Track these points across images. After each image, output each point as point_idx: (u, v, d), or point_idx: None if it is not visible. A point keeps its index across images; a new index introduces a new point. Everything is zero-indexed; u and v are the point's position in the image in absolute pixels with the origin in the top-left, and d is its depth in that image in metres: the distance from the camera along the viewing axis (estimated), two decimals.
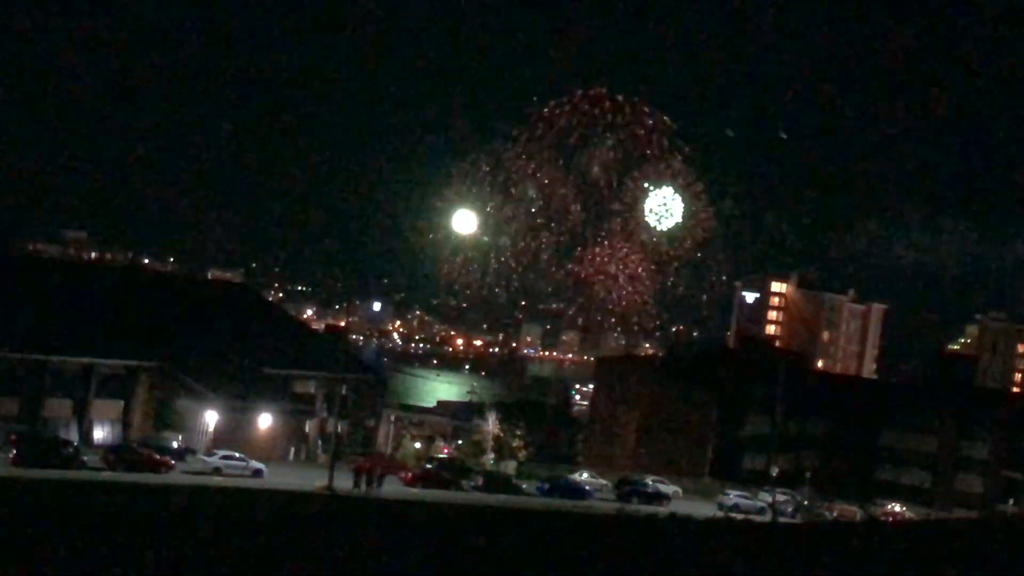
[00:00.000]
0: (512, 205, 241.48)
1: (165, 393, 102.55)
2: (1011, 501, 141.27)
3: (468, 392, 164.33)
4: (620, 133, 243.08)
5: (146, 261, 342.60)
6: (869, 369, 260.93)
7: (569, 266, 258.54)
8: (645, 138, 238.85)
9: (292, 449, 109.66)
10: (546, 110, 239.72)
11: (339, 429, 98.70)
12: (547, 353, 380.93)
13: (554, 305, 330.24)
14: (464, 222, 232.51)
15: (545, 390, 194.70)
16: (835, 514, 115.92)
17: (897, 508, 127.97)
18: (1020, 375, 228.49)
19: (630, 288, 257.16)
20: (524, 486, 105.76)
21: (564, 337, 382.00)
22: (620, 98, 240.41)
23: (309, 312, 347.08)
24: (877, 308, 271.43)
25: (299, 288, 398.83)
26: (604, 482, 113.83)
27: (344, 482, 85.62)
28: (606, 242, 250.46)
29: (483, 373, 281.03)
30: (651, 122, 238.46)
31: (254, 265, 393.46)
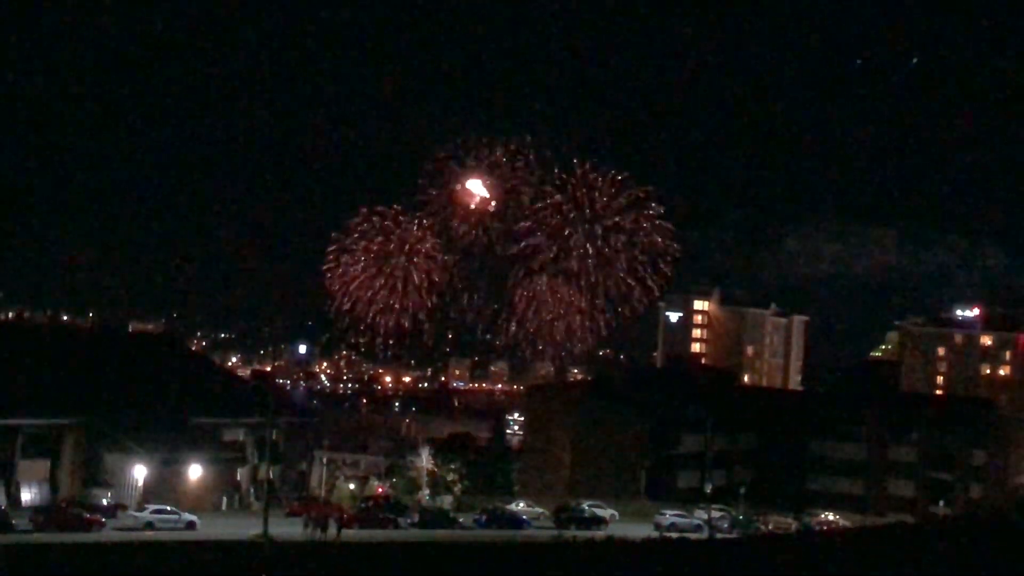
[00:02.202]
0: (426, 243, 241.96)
1: (92, 450, 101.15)
2: (942, 503, 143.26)
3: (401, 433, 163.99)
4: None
5: (65, 318, 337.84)
6: (794, 381, 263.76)
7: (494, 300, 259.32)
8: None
9: (224, 499, 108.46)
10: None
11: (271, 475, 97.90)
12: (477, 385, 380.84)
13: (487, 336, 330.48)
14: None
15: (477, 422, 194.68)
16: (770, 526, 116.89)
17: (831, 517, 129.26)
18: (942, 377, 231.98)
19: (557, 315, 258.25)
20: (462, 520, 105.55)
21: (493, 368, 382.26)
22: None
23: (234, 359, 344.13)
24: (799, 320, 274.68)
25: (222, 335, 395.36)
26: (541, 510, 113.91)
27: (280, 529, 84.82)
28: (530, 272, 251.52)
29: (414, 409, 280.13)
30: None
31: (175, 315, 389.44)
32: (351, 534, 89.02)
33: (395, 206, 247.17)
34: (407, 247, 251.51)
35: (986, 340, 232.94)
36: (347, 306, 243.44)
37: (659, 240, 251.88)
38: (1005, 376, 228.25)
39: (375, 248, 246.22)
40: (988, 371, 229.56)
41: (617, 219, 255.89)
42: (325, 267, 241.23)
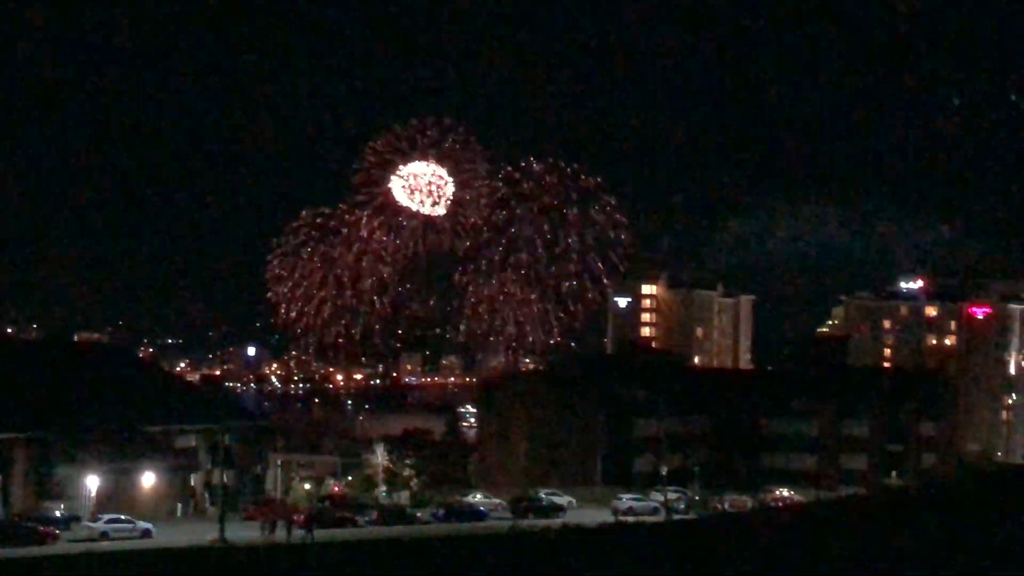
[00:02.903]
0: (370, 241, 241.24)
1: (44, 463, 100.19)
2: (894, 474, 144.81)
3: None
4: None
5: (9, 331, 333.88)
6: (744, 360, 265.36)
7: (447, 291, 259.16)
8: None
9: (180, 505, 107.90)
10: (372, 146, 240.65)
11: (225, 479, 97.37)
12: (429, 380, 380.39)
13: (438, 331, 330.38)
14: None
15: (431, 417, 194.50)
16: (727, 506, 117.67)
17: (785, 493, 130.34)
18: (889, 350, 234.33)
19: (508, 308, 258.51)
20: (420, 515, 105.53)
21: (444, 362, 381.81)
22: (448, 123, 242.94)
23: (183, 364, 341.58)
24: (746, 300, 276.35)
25: (169, 341, 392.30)
26: (499, 501, 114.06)
27: (238, 533, 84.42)
28: (482, 265, 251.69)
29: (367, 407, 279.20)
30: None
31: (120, 323, 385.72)
32: (300, 536, 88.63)
33: (341, 205, 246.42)
34: (353, 246, 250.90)
35: (931, 311, 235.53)
36: (293, 312, 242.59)
37: (610, 232, 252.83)
38: (951, 346, 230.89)
39: (320, 249, 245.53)
40: (934, 342, 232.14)
41: (566, 211, 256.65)
42: (268, 273, 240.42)
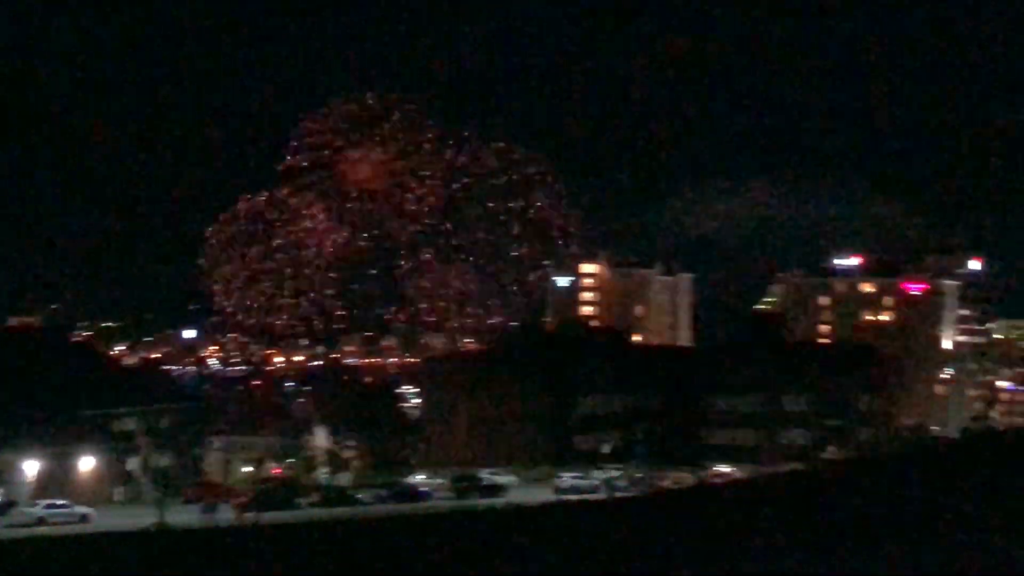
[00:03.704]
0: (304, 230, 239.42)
1: None
2: (831, 448, 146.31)
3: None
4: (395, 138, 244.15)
5: None
6: (684, 338, 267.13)
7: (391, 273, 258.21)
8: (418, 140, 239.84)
9: (118, 489, 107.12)
10: (306, 125, 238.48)
11: (164, 462, 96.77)
12: (370, 361, 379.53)
13: (379, 312, 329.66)
14: None
15: (372, 397, 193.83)
16: (669, 482, 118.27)
17: (726, 469, 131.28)
18: (826, 326, 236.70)
19: (450, 289, 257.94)
20: (361, 496, 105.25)
21: (385, 342, 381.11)
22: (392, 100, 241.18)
23: (121, 347, 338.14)
24: (684, 278, 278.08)
25: (106, 325, 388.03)
26: (441, 481, 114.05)
27: (178, 516, 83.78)
28: (424, 247, 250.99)
29: (307, 388, 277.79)
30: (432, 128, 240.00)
31: (55, 307, 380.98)
32: (250, 517, 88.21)
33: (279, 190, 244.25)
34: (292, 231, 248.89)
35: (867, 287, 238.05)
36: (232, 298, 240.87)
37: (553, 213, 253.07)
38: (887, 321, 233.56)
39: (258, 233, 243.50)
40: (870, 318, 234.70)
41: (510, 193, 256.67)
42: (204, 259, 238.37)
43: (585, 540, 33.37)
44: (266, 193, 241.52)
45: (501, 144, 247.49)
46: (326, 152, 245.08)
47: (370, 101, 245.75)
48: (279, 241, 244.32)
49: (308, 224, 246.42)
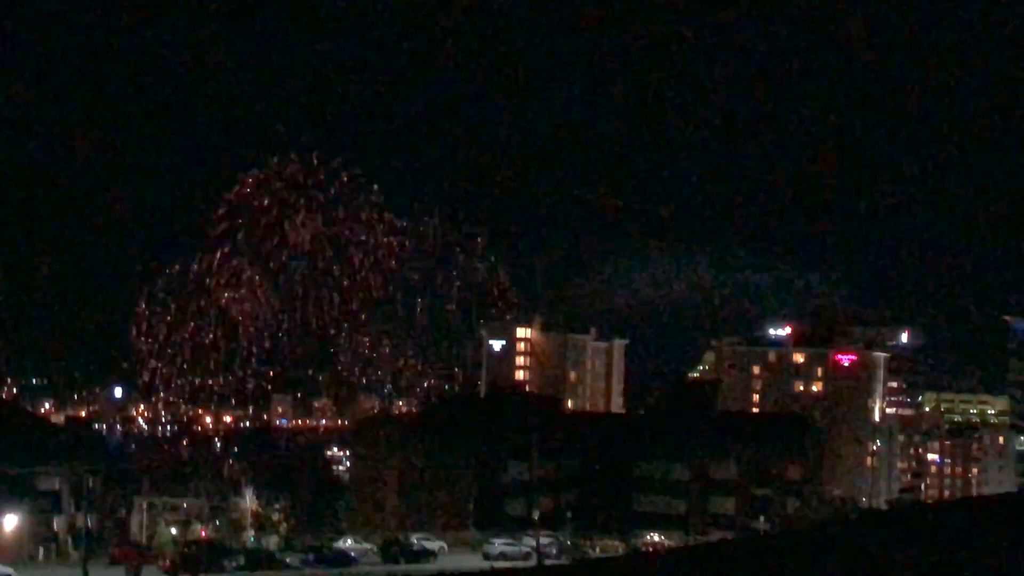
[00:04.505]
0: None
1: None
2: (762, 518, 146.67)
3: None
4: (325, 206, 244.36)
5: None
6: (617, 404, 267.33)
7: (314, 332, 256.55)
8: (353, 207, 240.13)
9: (41, 549, 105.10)
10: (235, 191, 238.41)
11: (88, 523, 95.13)
12: (300, 422, 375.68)
13: (310, 373, 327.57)
14: None
15: (301, 459, 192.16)
16: (597, 550, 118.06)
17: (656, 538, 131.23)
18: (757, 396, 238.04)
19: (385, 351, 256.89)
20: (288, 560, 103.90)
21: (316, 404, 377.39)
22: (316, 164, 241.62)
23: (47, 405, 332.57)
24: (618, 344, 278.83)
25: (32, 381, 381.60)
26: (369, 546, 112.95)
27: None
28: (358, 308, 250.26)
29: (236, 449, 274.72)
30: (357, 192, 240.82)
31: None
32: None
33: (217, 251, 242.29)
34: (220, 293, 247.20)
35: (798, 357, 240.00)
36: (160, 358, 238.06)
37: (485, 277, 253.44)
38: (817, 391, 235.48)
39: (186, 297, 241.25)
40: (801, 387, 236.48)
41: (445, 259, 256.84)
42: (134, 322, 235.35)
43: None
44: (199, 254, 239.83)
45: (440, 209, 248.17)
46: (263, 215, 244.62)
47: (315, 162, 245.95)
48: (210, 302, 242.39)
49: (242, 289, 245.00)
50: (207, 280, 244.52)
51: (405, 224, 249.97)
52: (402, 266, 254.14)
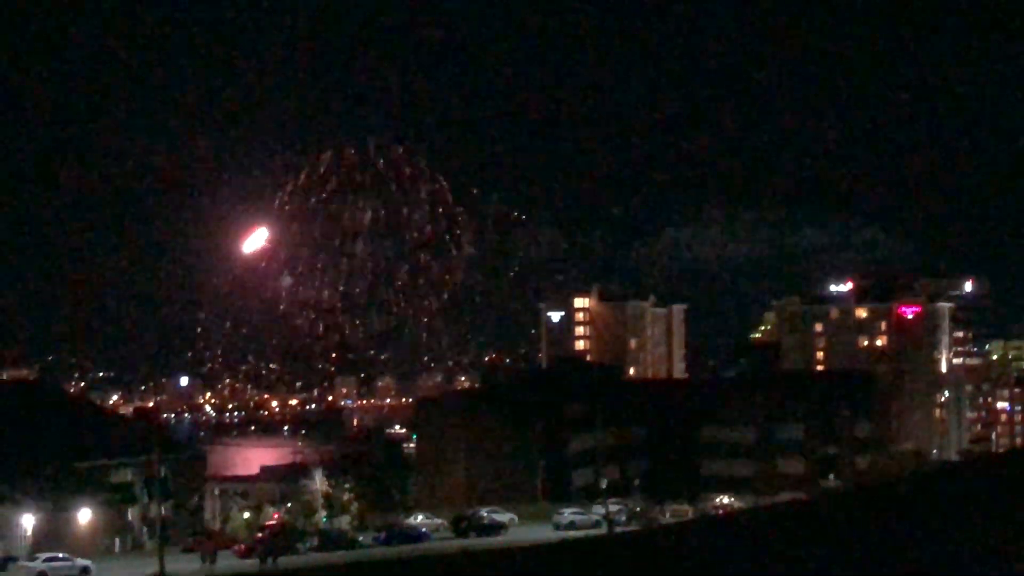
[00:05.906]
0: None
1: None
2: (831, 476, 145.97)
3: (292, 453, 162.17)
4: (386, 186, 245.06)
5: None
6: (679, 369, 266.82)
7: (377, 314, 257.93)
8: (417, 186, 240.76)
9: (117, 540, 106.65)
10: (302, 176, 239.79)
11: (162, 512, 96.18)
12: (365, 402, 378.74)
13: (372, 353, 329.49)
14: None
15: (369, 439, 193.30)
16: (668, 515, 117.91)
17: (725, 500, 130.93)
18: (821, 353, 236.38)
19: (445, 328, 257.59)
20: (361, 539, 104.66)
21: (380, 383, 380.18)
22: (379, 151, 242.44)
23: (115, 397, 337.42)
24: (678, 309, 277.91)
25: (100, 375, 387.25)
26: (440, 521, 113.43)
27: (177, 565, 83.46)
28: (404, 286, 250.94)
29: (303, 432, 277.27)
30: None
31: (50, 359, 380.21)
32: (250, 564, 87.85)
33: (278, 236, 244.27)
34: (287, 276, 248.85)
35: (861, 313, 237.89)
36: (228, 347, 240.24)
37: (545, 248, 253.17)
38: (882, 347, 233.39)
39: (253, 280, 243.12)
40: (865, 343, 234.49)
41: (503, 232, 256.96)
42: (201, 312, 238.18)
43: None
44: (262, 241, 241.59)
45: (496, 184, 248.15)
46: (322, 198, 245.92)
47: (370, 148, 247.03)
48: (273, 289, 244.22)
49: (304, 273, 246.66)
50: (271, 265, 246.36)
51: (462, 208, 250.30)
52: (461, 245, 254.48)
